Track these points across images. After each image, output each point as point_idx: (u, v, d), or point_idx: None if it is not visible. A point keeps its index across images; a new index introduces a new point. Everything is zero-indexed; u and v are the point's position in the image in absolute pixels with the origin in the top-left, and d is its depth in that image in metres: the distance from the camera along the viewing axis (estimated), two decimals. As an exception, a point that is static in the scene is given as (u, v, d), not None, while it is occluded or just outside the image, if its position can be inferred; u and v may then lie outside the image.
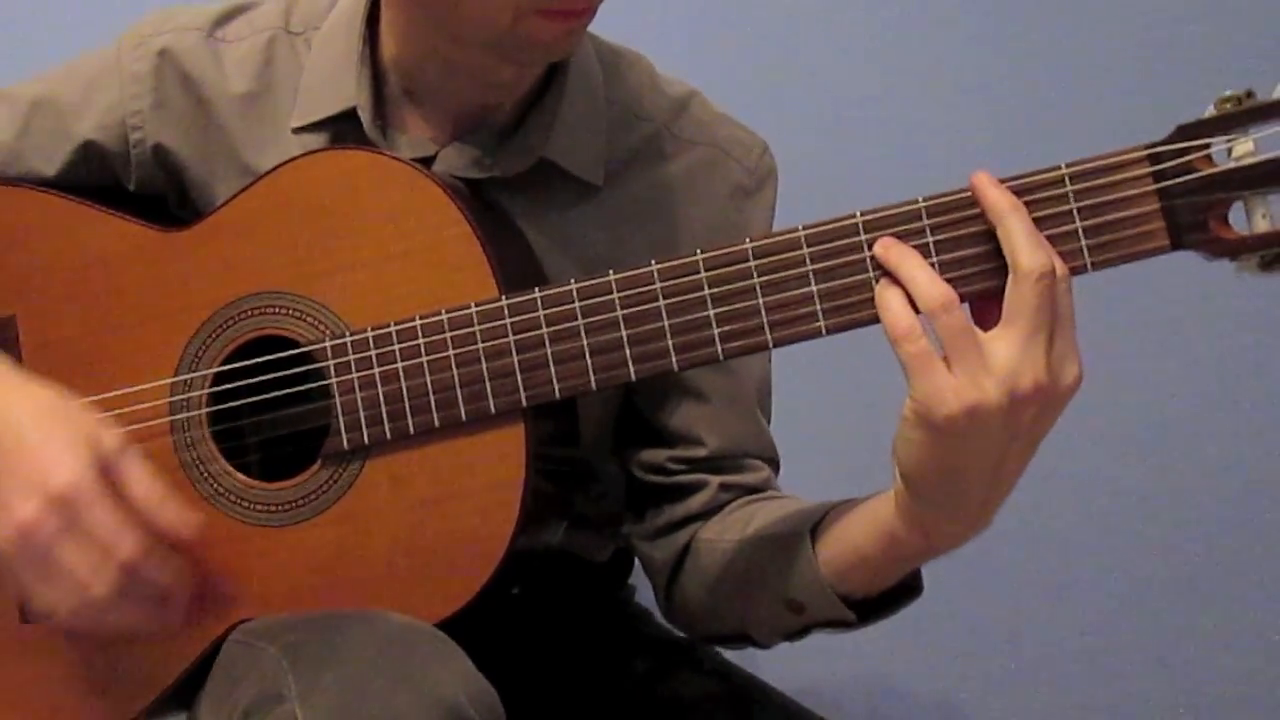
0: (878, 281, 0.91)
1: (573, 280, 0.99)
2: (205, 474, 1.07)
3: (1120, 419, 1.70)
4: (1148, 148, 0.88)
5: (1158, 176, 0.88)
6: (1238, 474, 1.75)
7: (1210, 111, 0.88)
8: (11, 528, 0.95)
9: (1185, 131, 0.88)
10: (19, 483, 0.95)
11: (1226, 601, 1.76)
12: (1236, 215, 0.88)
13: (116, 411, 1.08)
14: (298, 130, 1.12)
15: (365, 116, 1.10)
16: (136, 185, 1.16)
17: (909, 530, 0.95)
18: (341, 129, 1.12)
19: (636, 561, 1.30)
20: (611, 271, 0.98)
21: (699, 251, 0.96)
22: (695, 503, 1.14)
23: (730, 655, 1.25)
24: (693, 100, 1.18)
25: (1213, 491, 1.75)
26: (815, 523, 1.03)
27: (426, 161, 1.10)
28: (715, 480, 1.14)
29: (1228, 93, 0.88)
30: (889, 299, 0.90)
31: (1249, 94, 0.87)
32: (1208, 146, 0.88)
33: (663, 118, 1.16)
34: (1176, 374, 1.73)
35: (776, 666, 1.25)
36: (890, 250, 0.91)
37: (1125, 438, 1.74)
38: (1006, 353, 0.86)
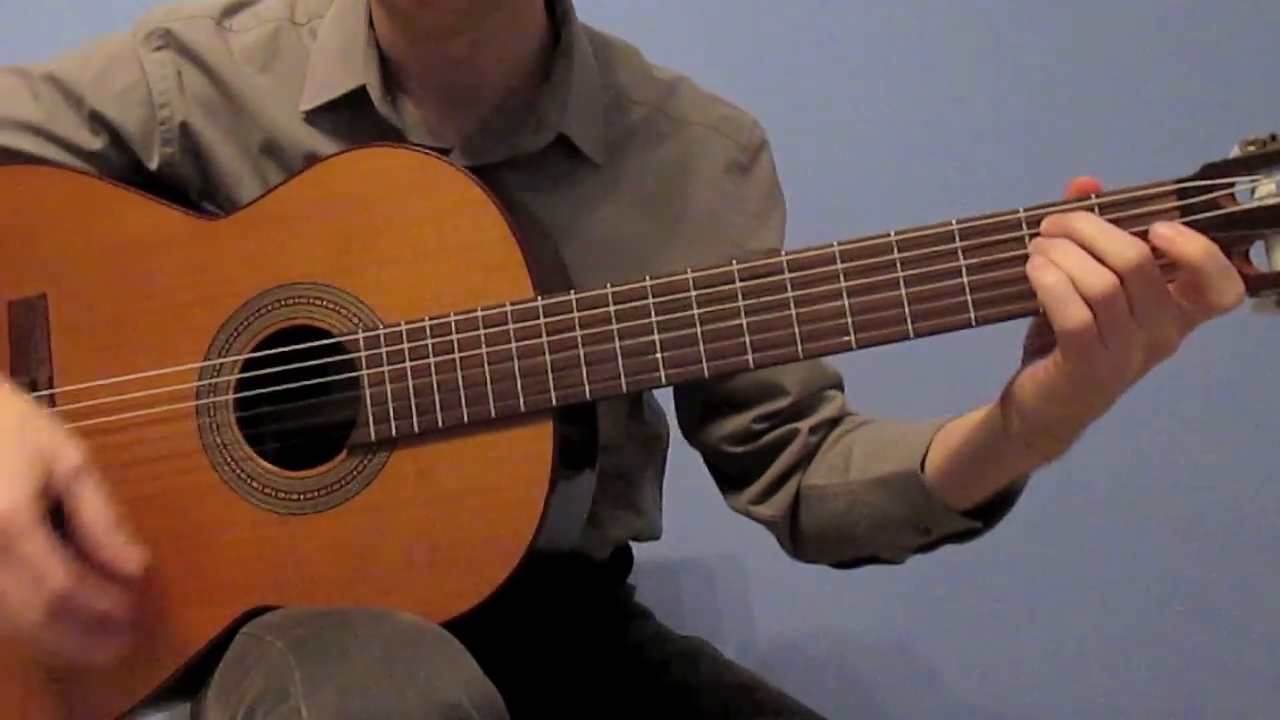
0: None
1: (609, 284, 1.01)
2: (228, 458, 1.07)
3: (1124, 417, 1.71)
4: (1176, 183, 0.92)
5: (1184, 211, 0.92)
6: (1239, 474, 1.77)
7: (1236, 152, 0.92)
8: None
9: (1211, 170, 0.92)
10: None
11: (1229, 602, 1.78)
12: (1257, 254, 0.92)
13: (143, 392, 1.09)
14: (308, 113, 1.15)
15: (375, 93, 1.13)
16: (160, 164, 1.17)
17: (1026, 456, 1.00)
18: (353, 110, 1.14)
19: (635, 560, 1.32)
20: (647, 277, 1.00)
21: (734, 261, 0.99)
22: (791, 454, 1.17)
23: (732, 653, 1.27)
24: (682, 84, 1.23)
25: (1215, 491, 1.77)
26: (923, 455, 1.07)
27: (442, 152, 1.11)
28: (803, 425, 1.18)
29: (1252, 135, 0.92)
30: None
31: (1273, 137, 0.91)
32: (1232, 185, 0.91)
33: (655, 101, 1.21)
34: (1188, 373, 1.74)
35: (778, 660, 1.25)
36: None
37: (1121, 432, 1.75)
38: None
